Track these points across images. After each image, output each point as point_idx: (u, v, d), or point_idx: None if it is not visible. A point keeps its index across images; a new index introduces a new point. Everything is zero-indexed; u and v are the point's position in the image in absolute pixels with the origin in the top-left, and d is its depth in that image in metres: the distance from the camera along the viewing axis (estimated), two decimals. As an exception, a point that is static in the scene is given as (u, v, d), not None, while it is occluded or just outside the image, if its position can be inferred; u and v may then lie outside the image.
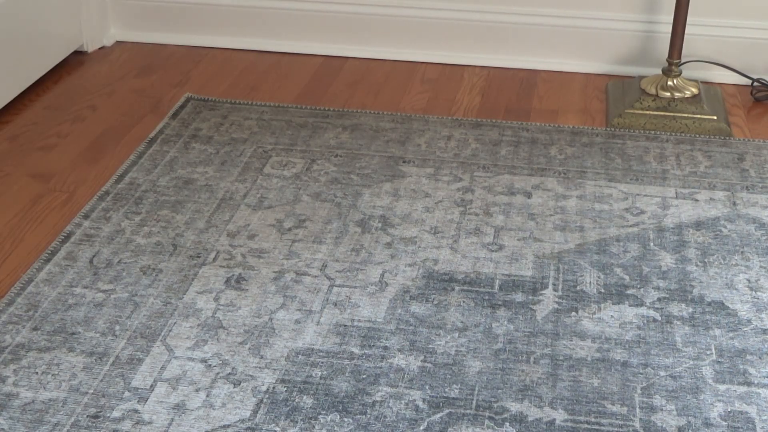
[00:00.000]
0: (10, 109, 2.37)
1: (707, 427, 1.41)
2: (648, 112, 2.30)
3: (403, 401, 1.45)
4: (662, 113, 2.30)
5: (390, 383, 1.48)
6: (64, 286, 1.69)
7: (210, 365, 1.51)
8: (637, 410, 1.44)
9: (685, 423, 1.42)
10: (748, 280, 1.74)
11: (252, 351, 1.54)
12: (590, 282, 1.72)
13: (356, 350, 1.55)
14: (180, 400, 1.44)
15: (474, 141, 2.21)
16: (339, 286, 1.71)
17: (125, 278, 1.72)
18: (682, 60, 2.37)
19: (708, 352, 1.56)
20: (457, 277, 1.73)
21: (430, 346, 1.56)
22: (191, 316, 1.63)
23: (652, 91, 2.34)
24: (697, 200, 1.98)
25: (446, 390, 1.47)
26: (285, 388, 1.47)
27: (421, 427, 1.40)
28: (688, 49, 2.47)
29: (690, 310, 1.66)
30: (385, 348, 1.55)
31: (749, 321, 1.63)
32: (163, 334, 1.58)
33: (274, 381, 1.48)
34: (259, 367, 1.51)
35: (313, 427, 1.40)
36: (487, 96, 2.47)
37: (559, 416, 1.42)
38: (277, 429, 1.39)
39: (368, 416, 1.42)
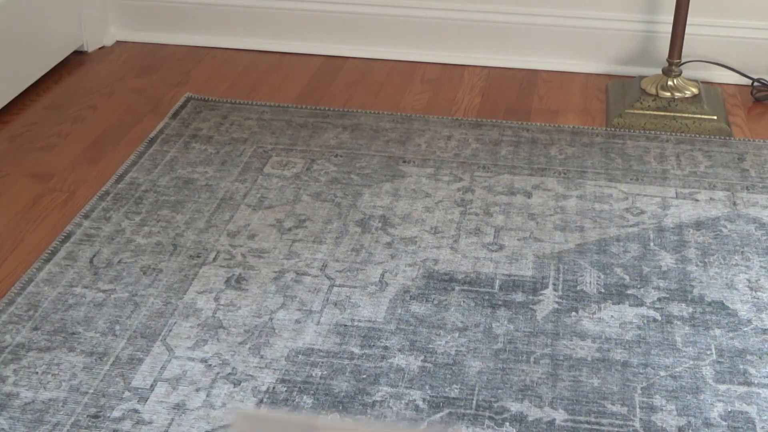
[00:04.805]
0: (10, 109, 2.37)
1: (707, 427, 1.41)
2: (648, 112, 2.30)
3: (403, 401, 1.45)
4: (662, 113, 2.30)
5: (390, 383, 1.48)
6: (64, 286, 1.69)
7: (210, 365, 1.51)
8: (637, 410, 1.44)
9: (685, 423, 1.42)
10: (749, 280, 1.74)
11: (252, 351, 1.54)
12: (590, 282, 1.72)
13: (356, 350, 1.55)
14: (180, 399, 1.44)
15: (474, 141, 2.21)
16: (339, 285, 1.71)
17: (125, 278, 1.72)
18: (683, 60, 2.37)
19: (708, 352, 1.56)
20: (457, 277, 1.73)
21: (430, 346, 1.56)
22: (191, 315, 1.63)
23: (653, 91, 2.34)
24: (697, 200, 1.98)
25: (446, 390, 1.47)
26: (285, 388, 1.47)
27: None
28: (688, 49, 2.47)
29: (690, 310, 1.66)
30: (385, 348, 1.55)
31: (749, 321, 1.63)
32: (163, 333, 1.58)
33: (274, 381, 1.48)
34: (259, 367, 1.51)
35: (313, 427, 1.40)
36: (487, 96, 2.47)
37: (559, 416, 1.42)
38: (277, 429, 1.39)
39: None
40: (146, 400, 1.44)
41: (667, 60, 2.35)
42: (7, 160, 2.15)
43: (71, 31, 2.61)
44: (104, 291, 1.68)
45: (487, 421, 1.41)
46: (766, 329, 1.61)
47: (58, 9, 2.53)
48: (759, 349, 1.56)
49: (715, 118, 2.28)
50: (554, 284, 1.72)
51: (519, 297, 1.68)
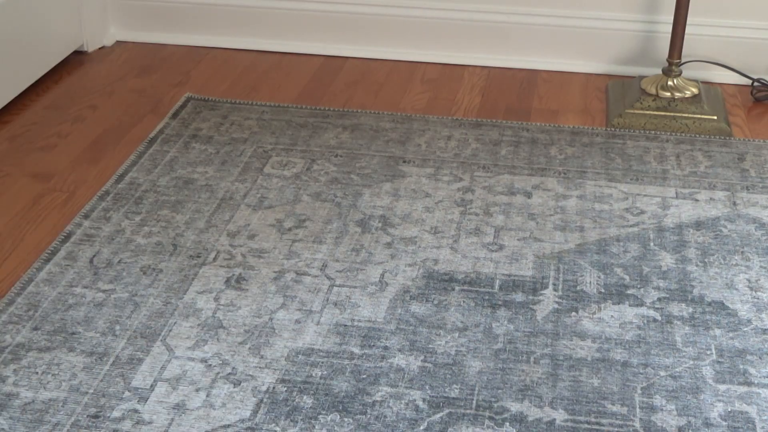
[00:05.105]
0: (11, 109, 2.37)
1: (707, 427, 1.41)
2: (648, 112, 2.30)
3: (403, 401, 1.45)
4: (662, 113, 2.30)
5: (390, 383, 1.48)
6: (64, 286, 1.69)
7: (210, 365, 1.51)
8: (637, 410, 1.44)
9: (685, 423, 1.42)
10: (748, 280, 1.74)
11: (252, 351, 1.54)
12: (590, 282, 1.72)
13: (356, 350, 1.55)
14: (180, 399, 1.44)
15: (474, 141, 2.21)
16: (339, 285, 1.71)
17: (125, 278, 1.72)
18: (683, 60, 2.37)
19: (708, 352, 1.56)
20: (457, 277, 1.73)
21: (430, 346, 1.56)
22: (191, 315, 1.63)
23: (653, 91, 2.34)
24: (697, 200, 1.98)
25: (446, 390, 1.47)
26: (285, 388, 1.47)
27: (421, 427, 1.40)
28: (688, 49, 2.47)
29: (690, 310, 1.66)
30: (385, 348, 1.55)
31: (749, 321, 1.63)
32: (163, 333, 1.58)
33: (274, 381, 1.48)
34: (259, 367, 1.51)
35: (313, 427, 1.40)
36: (487, 96, 2.47)
37: (560, 416, 1.42)
38: (277, 429, 1.39)
39: (368, 416, 1.42)
40: (146, 400, 1.44)
41: (667, 60, 2.35)
42: (7, 160, 2.15)
43: (71, 31, 2.61)
44: (104, 291, 1.68)
45: (487, 421, 1.41)
46: (766, 329, 1.61)
47: (58, 9, 2.53)
48: (759, 349, 1.56)
49: (715, 118, 2.28)
50: (554, 284, 1.72)
51: (519, 297, 1.68)
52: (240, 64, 2.63)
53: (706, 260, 1.79)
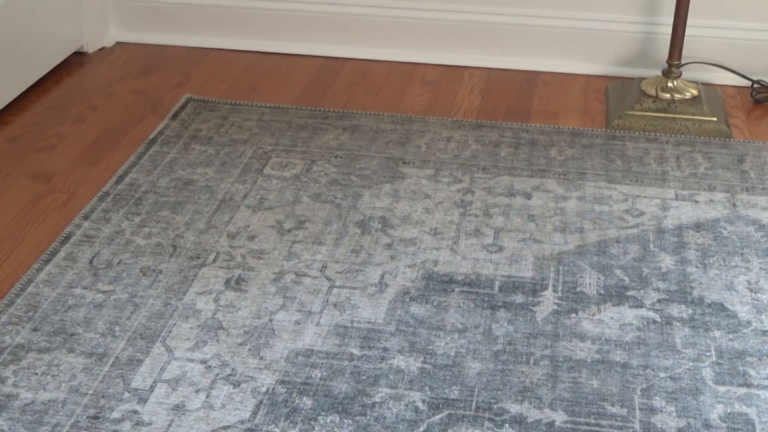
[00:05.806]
0: (11, 110, 2.37)
1: (707, 429, 1.41)
2: (648, 114, 2.30)
3: (402, 402, 1.45)
4: (662, 115, 2.30)
5: (390, 384, 1.48)
6: (64, 287, 1.69)
7: (210, 366, 1.51)
8: (637, 412, 1.44)
9: (684, 424, 1.42)
10: (748, 282, 1.74)
11: (252, 352, 1.55)
12: (590, 283, 1.72)
13: (356, 351, 1.55)
14: (180, 401, 1.44)
15: (474, 142, 2.21)
16: (339, 287, 1.71)
17: (125, 279, 1.72)
18: (682, 61, 2.37)
19: (708, 354, 1.56)
20: (457, 278, 1.73)
21: (430, 347, 1.56)
22: (191, 317, 1.63)
23: (652, 92, 2.34)
24: (697, 202, 1.98)
25: (446, 391, 1.47)
26: (285, 389, 1.47)
27: (421, 429, 1.40)
28: (688, 50, 2.47)
29: (690, 311, 1.66)
30: (385, 349, 1.55)
31: (749, 322, 1.63)
32: (162, 335, 1.58)
33: (273, 382, 1.48)
34: (259, 368, 1.51)
35: (313, 428, 1.40)
36: (487, 97, 2.47)
37: (559, 417, 1.42)
38: (277, 430, 1.39)
39: (368, 417, 1.42)
40: (146, 401, 1.44)
41: (666, 61, 2.35)
42: (7, 160, 2.15)
43: (71, 32, 2.61)
44: (104, 292, 1.68)
45: (486, 423, 1.41)
46: (765, 331, 1.61)
47: (58, 9, 2.53)
48: (758, 351, 1.57)
49: (715, 119, 2.28)
50: (554, 286, 1.72)
51: (519, 298, 1.68)
52: (240, 65, 2.63)
53: (705, 262, 1.79)
